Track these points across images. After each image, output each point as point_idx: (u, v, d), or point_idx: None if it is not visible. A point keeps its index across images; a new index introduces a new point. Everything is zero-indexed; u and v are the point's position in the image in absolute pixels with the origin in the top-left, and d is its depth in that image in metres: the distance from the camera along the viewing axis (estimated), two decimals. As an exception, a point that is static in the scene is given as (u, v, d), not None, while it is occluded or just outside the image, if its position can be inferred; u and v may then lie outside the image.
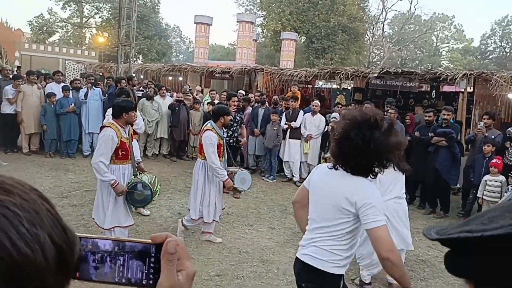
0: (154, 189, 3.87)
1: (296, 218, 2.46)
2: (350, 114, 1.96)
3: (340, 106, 8.33)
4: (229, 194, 5.73)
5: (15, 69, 12.50)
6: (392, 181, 3.60)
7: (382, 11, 36.67)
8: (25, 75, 8.62)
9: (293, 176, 7.80)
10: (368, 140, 1.83)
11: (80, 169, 7.50)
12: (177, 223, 5.05)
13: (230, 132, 6.61)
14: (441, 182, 6.23)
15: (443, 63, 45.87)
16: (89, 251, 0.57)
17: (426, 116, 6.63)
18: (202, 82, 13.24)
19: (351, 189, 1.92)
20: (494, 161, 5.68)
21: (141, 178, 3.87)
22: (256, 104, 8.39)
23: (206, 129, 4.32)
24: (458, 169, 6.27)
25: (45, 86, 8.69)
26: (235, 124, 6.66)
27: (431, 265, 4.49)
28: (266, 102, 8.37)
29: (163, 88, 9.65)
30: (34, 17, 34.47)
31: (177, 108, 8.89)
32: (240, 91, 9.46)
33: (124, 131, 3.75)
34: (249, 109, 8.39)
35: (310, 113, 7.72)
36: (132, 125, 4.84)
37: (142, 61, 28.87)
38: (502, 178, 5.63)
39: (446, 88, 10.25)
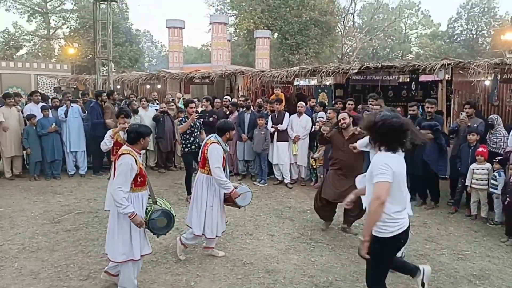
0: (172, 212, 3.84)
1: (377, 218, 2.79)
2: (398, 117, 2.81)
3: (321, 106, 8.31)
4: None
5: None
6: None
7: (351, 2, 37.18)
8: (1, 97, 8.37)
9: (283, 178, 7.84)
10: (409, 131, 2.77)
11: (68, 191, 7.34)
12: (176, 239, 5.03)
13: (192, 138, 6.56)
14: (429, 174, 6.38)
15: (413, 49, 46.88)
16: None
17: (410, 110, 6.77)
18: (181, 89, 13.13)
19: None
20: (480, 150, 5.86)
21: (160, 204, 3.82)
22: (241, 109, 8.38)
23: (212, 142, 4.30)
24: (446, 159, 6.43)
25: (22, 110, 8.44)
26: (195, 130, 6.62)
27: (430, 258, 4.60)
28: (251, 106, 8.38)
29: (143, 99, 9.52)
30: (-1, 32, 33.39)
31: (161, 119, 8.80)
32: (226, 97, 9.42)
33: (140, 156, 3.68)
34: (235, 114, 8.39)
35: (296, 114, 7.77)
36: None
37: (114, 69, 28.39)
38: (488, 165, 5.81)
39: (423, 78, 10.47)
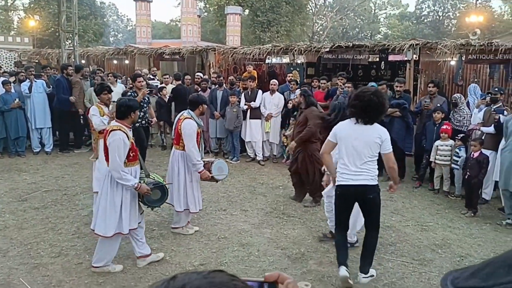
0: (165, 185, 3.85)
1: (326, 164, 3.71)
2: (369, 90, 3.39)
3: (293, 83, 8.38)
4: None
5: None
6: None
7: (323, -20, 36.96)
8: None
9: (256, 155, 7.91)
10: (382, 104, 3.33)
11: (33, 168, 7.12)
12: (149, 215, 5.02)
13: (142, 113, 6.53)
14: (396, 150, 6.58)
15: (381, 30, 47.51)
16: None
17: (379, 88, 6.92)
18: (150, 65, 12.80)
19: (379, 131, 3.40)
20: (444, 127, 6.12)
21: (153, 177, 3.82)
22: (213, 86, 8.30)
23: (185, 118, 4.26)
24: (412, 137, 6.67)
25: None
26: (144, 105, 6.59)
27: (396, 230, 4.83)
28: (224, 84, 8.32)
29: (110, 74, 9.23)
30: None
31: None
32: (198, 73, 9.29)
33: (130, 130, 3.60)
34: (208, 91, 8.30)
35: (269, 91, 7.79)
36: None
37: (78, 43, 27.21)
38: (451, 142, 6.09)
39: (392, 58, 10.69)
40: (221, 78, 8.28)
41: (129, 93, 6.69)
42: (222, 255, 4.10)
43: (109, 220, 3.53)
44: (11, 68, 14.86)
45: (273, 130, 7.82)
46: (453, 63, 8.55)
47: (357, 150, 3.38)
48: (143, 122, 6.73)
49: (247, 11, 29.61)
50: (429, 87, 6.80)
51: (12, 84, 7.87)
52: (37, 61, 16.21)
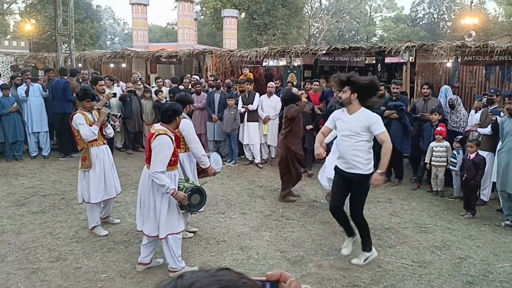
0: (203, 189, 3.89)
1: (319, 138, 4.03)
2: (364, 78, 3.84)
3: (291, 84, 8.43)
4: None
5: None
6: None
7: (318, -17, 37.10)
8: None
9: (254, 158, 7.91)
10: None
11: (31, 173, 7.08)
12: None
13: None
14: (394, 152, 6.61)
15: (377, 32, 47.71)
16: None
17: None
18: (147, 68, 12.78)
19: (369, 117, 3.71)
20: (438, 129, 6.14)
21: (192, 181, 3.85)
22: (211, 89, 8.30)
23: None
24: (410, 138, 6.69)
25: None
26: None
27: (395, 232, 4.83)
28: (221, 86, 8.32)
29: (106, 78, 9.18)
30: None
31: (128, 98, 8.59)
32: (194, 76, 9.29)
33: (173, 134, 3.60)
34: (202, 94, 8.30)
35: (266, 94, 7.79)
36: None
37: (75, 47, 27.17)
38: (446, 143, 6.12)
39: (388, 60, 10.73)
40: (219, 81, 8.28)
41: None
42: (221, 259, 4.09)
43: (155, 222, 3.59)
44: (7, 72, 14.80)
45: (271, 133, 7.82)
46: (449, 64, 8.58)
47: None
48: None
49: (243, 14, 29.68)
50: (424, 88, 6.83)
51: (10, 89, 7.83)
52: (33, 64, 16.16)
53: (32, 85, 8.03)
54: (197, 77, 9.33)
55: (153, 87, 9.58)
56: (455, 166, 5.91)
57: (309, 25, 37.44)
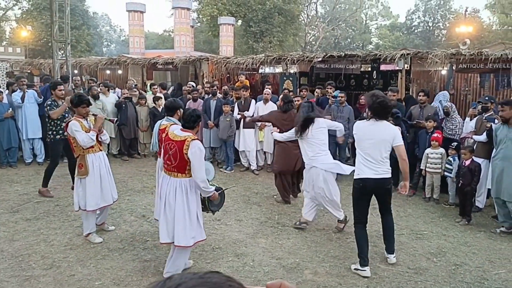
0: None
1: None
2: (381, 95, 4.03)
3: (287, 91, 8.47)
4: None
5: None
6: None
7: (314, -9, 37.42)
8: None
9: (250, 165, 7.90)
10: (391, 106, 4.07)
11: (25, 179, 7.03)
12: (142, 226, 4.99)
13: (63, 124, 6.26)
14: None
15: (373, 40, 48.08)
16: None
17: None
18: (144, 75, 12.80)
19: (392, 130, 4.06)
20: (434, 135, 6.17)
21: (213, 183, 3.93)
22: (207, 96, 8.31)
23: (171, 125, 4.16)
24: (405, 145, 6.69)
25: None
26: (67, 116, 6.07)
27: (391, 238, 4.82)
28: (218, 93, 8.33)
29: (101, 84, 9.19)
30: None
31: (124, 105, 8.57)
32: (190, 83, 9.30)
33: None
34: (199, 100, 8.31)
35: (262, 101, 7.81)
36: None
37: (71, 53, 27.20)
38: (442, 150, 6.15)
39: (383, 67, 10.80)
40: (215, 87, 8.28)
41: (49, 102, 6.18)
42: (216, 266, 4.06)
43: (188, 229, 3.59)
44: (2, 78, 14.78)
45: (267, 140, 7.81)
46: (444, 72, 8.65)
47: (374, 146, 3.98)
48: (65, 134, 6.35)
49: (240, 22, 29.84)
50: (420, 95, 6.88)
51: (4, 94, 7.81)
52: (29, 71, 16.13)
53: (27, 91, 8.00)
54: (193, 84, 9.34)
55: (147, 92, 9.58)
56: (450, 173, 5.93)
57: (305, 32, 37.69)
